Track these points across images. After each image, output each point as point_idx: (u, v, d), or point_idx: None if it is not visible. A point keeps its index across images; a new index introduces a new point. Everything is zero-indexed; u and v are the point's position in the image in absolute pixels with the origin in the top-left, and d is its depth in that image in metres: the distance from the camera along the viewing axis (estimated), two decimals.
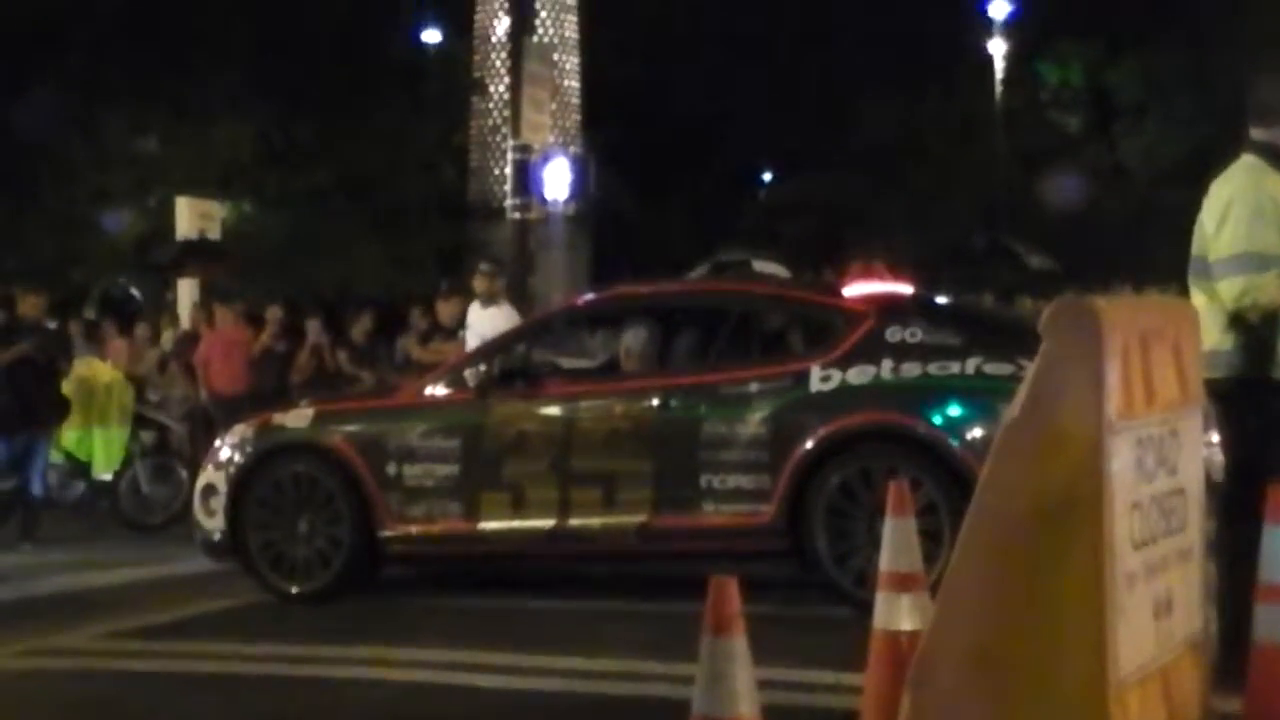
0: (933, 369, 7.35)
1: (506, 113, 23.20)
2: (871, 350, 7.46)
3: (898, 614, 4.78)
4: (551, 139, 21.08)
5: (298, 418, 8.52)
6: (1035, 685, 3.87)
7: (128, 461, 12.31)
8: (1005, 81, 32.93)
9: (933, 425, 7.24)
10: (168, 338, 16.01)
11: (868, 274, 8.10)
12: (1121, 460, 3.91)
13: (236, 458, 8.44)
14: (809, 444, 7.39)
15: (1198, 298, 5.30)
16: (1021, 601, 3.90)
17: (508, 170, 16.45)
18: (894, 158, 31.62)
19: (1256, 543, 4.77)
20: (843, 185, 32.34)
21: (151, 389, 14.20)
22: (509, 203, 15.88)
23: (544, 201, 16.69)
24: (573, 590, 8.27)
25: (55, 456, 11.84)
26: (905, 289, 8.19)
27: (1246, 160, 5.38)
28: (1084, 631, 3.81)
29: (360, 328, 14.40)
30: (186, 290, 19.17)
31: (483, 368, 8.18)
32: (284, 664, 6.66)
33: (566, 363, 8.85)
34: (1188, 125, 27.09)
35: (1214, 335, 5.16)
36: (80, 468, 12.28)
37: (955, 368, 7.32)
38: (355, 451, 8.18)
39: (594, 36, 34.03)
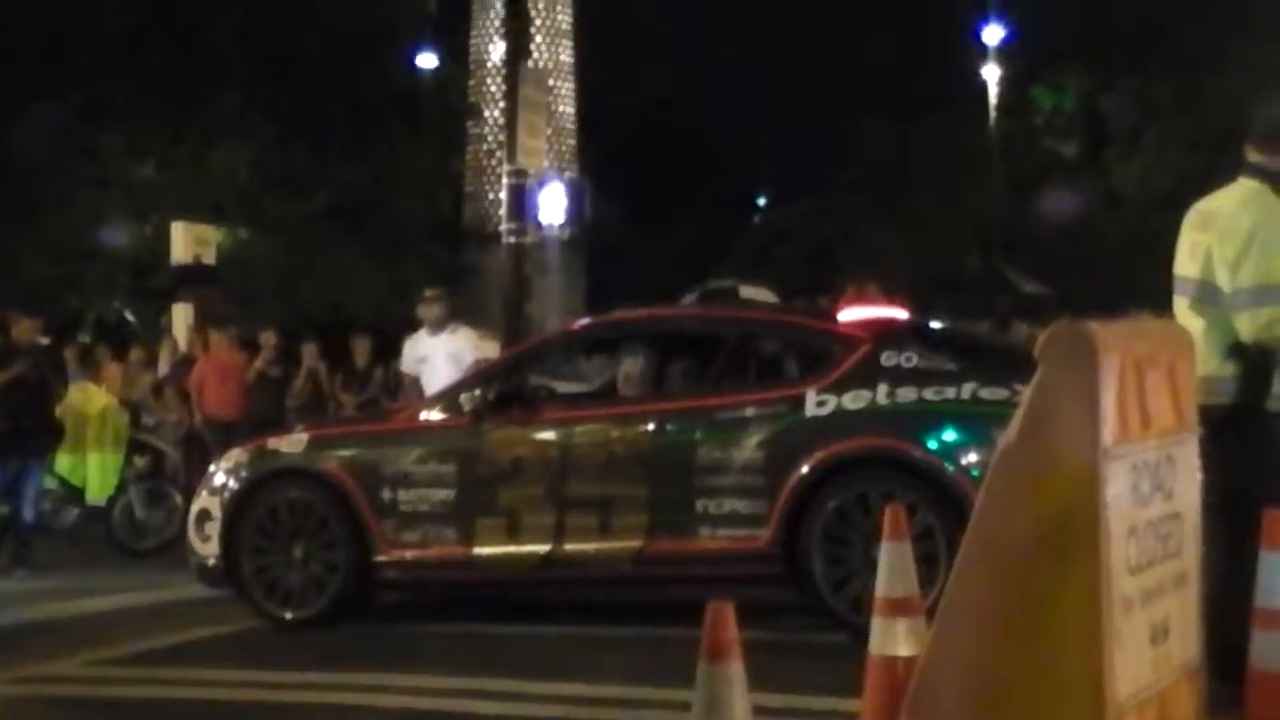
0: (928, 394, 7.35)
1: (502, 138, 23.19)
2: (867, 375, 7.46)
3: (894, 639, 4.77)
4: (547, 164, 21.14)
5: (292, 443, 8.51)
6: (1033, 711, 3.86)
7: (122, 487, 12.30)
8: (1000, 107, 33.03)
9: (929, 450, 7.23)
10: (163, 362, 16.00)
11: (862, 299, 8.12)
12: (1117, 486, 3.91)
13: (231, 483, 8.43)
14: (805, 469, 7.38)
15: (1193, 321, 5.26)
16: (1018, 627, 3.89)
17: (503, 195, 16.43)
18: (890, 183, 31.69)
19: (1247, 570, 4.77)
20: (838, 210, 32.40)
21: (146, 414, 14.19)
22: (504, 227, 15.84)
23: (539, 226, 16.71)
24: (568, 616, 8.25)
25: (49, 482, 11.82)
26: (901, 314, 8.19)
27: (1253, 186, 5.34)
28: (1081, 657, 3.80)
29: (358, 353, 14.40)
30: (181, 315, 19.16)
31: (478, 393, 8.18)
32: (279, 690, 6.63)
33: (562, 388, 8.85)
34: (1181, 151, 27.17)
35: (1212, 362, 5.14)
36: (74, 493, 12.25)
37: (951, 393, 7.32)
38: (350, 477, 8.17)
39: (590, 62, 34.12)
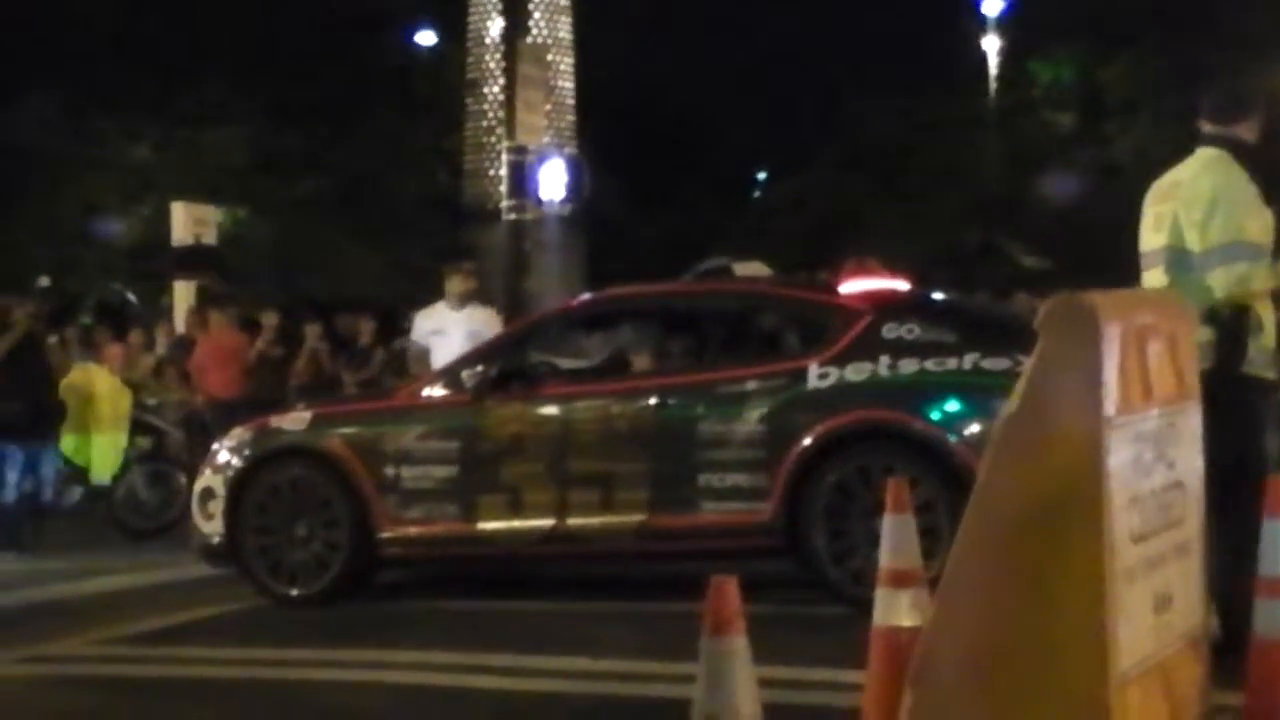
0: (930, 365, 7.34)
1: (500, 114, 23.15)
2: (869, 347, 7.46)
3: (897, 611, 4.77)
4: (546, 140, 21.09)
5: (295, 421, 8.52)
6: (1036, 680, 3.87)
7: (125, 467, 12.31)
8: (999, 79, 32.94)
9: (930, 422, 7.24)
10: (159, 343, 15.99)
11: (862, 271, 8.09)
12: (1120, 455, 3.91)
13: (234, 461, 8.44)
14: (806, 442, 7.38)
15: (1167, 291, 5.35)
16: (1021, 597, 3.90)
17: (502, 172, 16.39)
18: (888, 157, 31.63)
19: (1246, 537, 4.79)
20: (837, 184, 32.34)
21: (148, 394, 14.19)
22: (504, 204, 15.82)
23: (539, 203, 16.66)
24: (571, 591, 8.27)
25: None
26: (901, 286, 8.18)
27: (1213, 153, 5.49)
28: (1084, 626, 3.81)
29: (359, 332, 14.39)
30: (182, 296, 19.15)
31: (479, 369, 8.18)
32: (283, 668, 6.65)
33: (563, 364, 8.85)
34: (1178, 123, 27.08)
35: None
36: (77, 473, 12.27)
37: (952, 364, 7.32)
38: (352, 454, 8.17)
39: (588, 38, 34.01)
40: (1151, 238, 5.56)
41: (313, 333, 14.39)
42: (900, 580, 4.81)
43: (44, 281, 17.84)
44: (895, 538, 4.86)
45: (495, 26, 32.40)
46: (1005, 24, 32.96)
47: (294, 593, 8.20)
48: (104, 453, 12.21)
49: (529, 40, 25.10)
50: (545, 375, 8.37)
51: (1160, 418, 4.21)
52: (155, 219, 23.36)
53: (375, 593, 8.38)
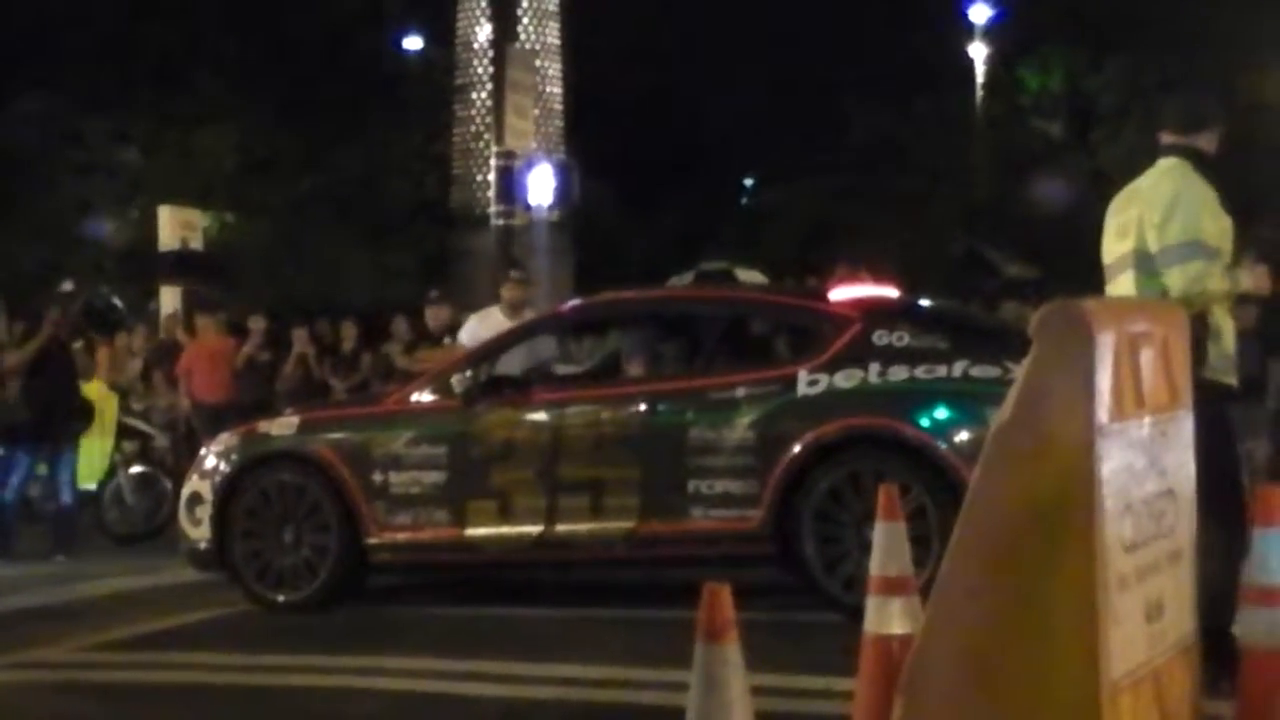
0: (920, 373, 7.35)
1: (489, 120, 23.17)
2: (859, 354, 7.46)
3: (889, 618, 4.78)
4: (534, 146, 21.07)
5: (283, 426, 8.50)
6: (1028, 689, 3.87)
7: (111, 472, 12.27)
8: (986, 87, 33.00)
9: (920, 429, 7.24)
10: (140, 346, 15.94)
11: (853, 278, 8.10)
12: (1112, 463, 3.91)
13: (222, 466, 8.42)
14: (797, 449, 7.38)
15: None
16: (1014, 605, 3.89)
17: (490, 177, 16.40)
18: (878, 163, 31.65)
19: (1227, 544, 4.79)
20: (828, 192, 32.37)
21: (135, 398, 14.14)
22: (493, 209, 15.82)
23: (528, 208, 16.66)
24: (561, 598, 8.25)
25: (40, 468, 11.80)
26: (891, 293, 8.19)
27: (1172, 161, 5.55)
28: (1077, 634, 3.81)
29: (345, 337, 14.37)
30: (169, 300, 19.11)
31: (469, 375, 8.17)
32: (271, 674, 6.63)
33: (553, 369, 8.84)
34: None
35: None
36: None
37: (942, 371, 7.32)
38: (341, 459, 8.16)
39: (576, 43, 34.02)
40: (1115, 246, 5.63)
41: (300, 338, 14.38)
42: (892, 588, 4.81)
43: (67, 286, 17.79)
44: (887, 545, 4.87)
45: (483, 32, 32.42)
46: (993, 32, 33.04)
47: (282, 598, 8.18)
48: (90, 457, 12.17)
49: (517, 46, 25.09)
50: (535, 381, 8.36)
51: (1152, 425, 4.21)
52: (142, 222, 23.31)
53: (364, 599, 8.35)
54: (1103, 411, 3.86)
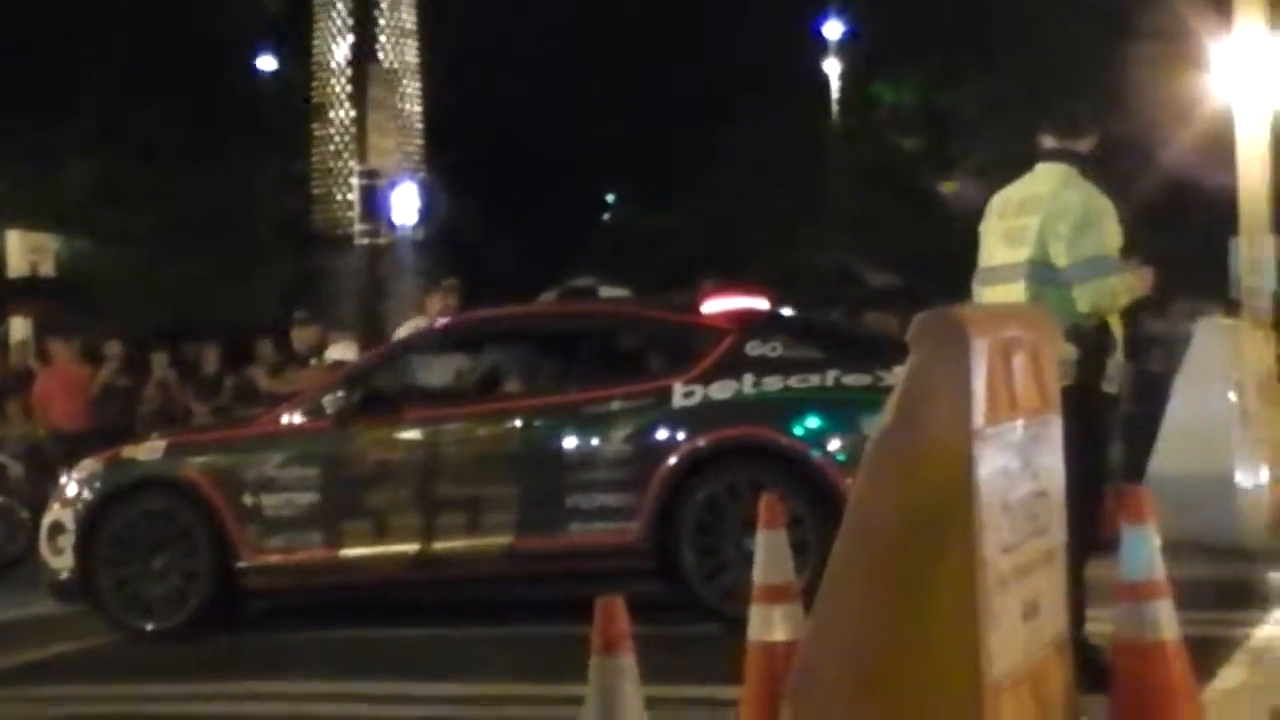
0: (793, 382, 7.43)
1: (348, 139, 22.95)
2: (733, 365, 7.53)
3: (772, 626, 4.82)
4: (396, 163, 20.92)
5: (150, 450, 8.33)
6: (912, 690, 3.93)
7: None
8: (841, 102, 33.53)
9: (795, 438, 7.32)
10: None
11: (721, 291, 8.18)
12: (989, 466, 3.99)
13: (85, 494, 8.22)
14: (673, 460, 7.42)
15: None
16: (897, 609, 3.95)
17: (352, 196, 16.23)
18: (742, 178, 31.96)
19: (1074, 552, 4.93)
20: (688, 205, 32.61)
21: None
22: (356, 228, 15.65)
23: (392, 227, 16.53)
24: (441, 617, 8.19)
25: None
26: (763, 304, 8.27)
27: (1063, 168, 5.59)
28: (959, 636, 3.88)
29: (206, 360, 14.13)
30: (19, 328, 18.58)
31: (341, 394, 8.08)
32: (148, 703, 6.50)
33: (426, 387, 8.78)
34: (1020, 144, 27.69)
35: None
36: None
37: (815, 380, 7.42)
38: (211, 483, 8.02)
39: (433, 61, 33.89)
40: (1002, 252, 5.61)
41: (159, 361, 14.11)
42: (774, 596, 4.86)
43: None
44: (768, 553, 4.91)
45: (340, 50, 32.14)
46: (845, 48, 33.58)
47: (151, 626, 8.00)
48: None
49: (377, 64, 24.88)
50: (408, 399, 8.29)
51: (1025, 428, 4.31)
52: None
53: (240, 624, 8.20)
54: (979, 416, 3.95)
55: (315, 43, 34.24)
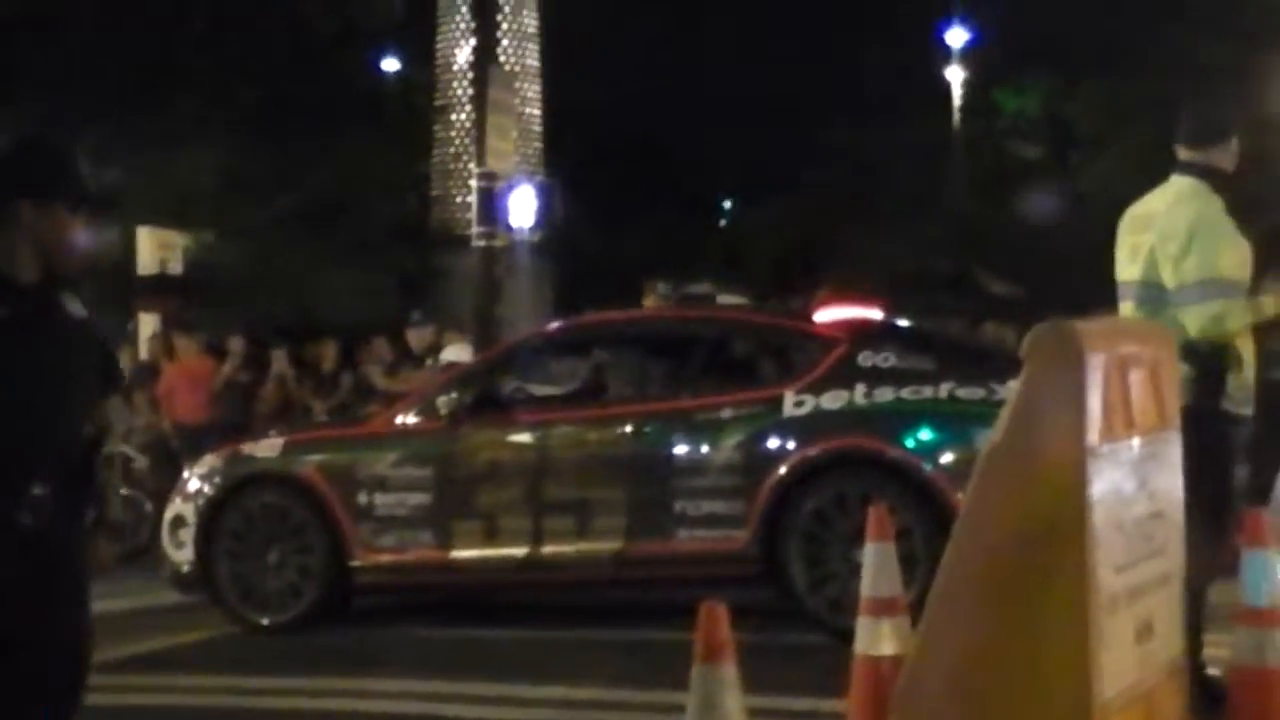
0: (905, 394, 7.37)
1: (468, 141, 23.10)
2: (845, 375, 7.48)
3: (879, 639, 4.79)
4: (515, 166, 21.05)
5: (267, 447, 8.48)
6: (1020, 710, 3.88)
7: None
8: (963, 109, 33.17)
9: (906, 450, 7.26)
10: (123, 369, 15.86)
11: (838, 299, 8.13)
12: (1103, 484, 3.93)
13: (205, 489, 8.39)
14: (783, 469, 7.39)
15: None
16: (1006, 626, 3.90)
17: (470, 198, 16.34)
18: (858, 184, 31.77)
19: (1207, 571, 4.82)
20: (807, 212, 32.47)
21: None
22: (473, 230, 15.76)
23: (509, 229, 16.63)
24: (547, 620, 8.23)
25: None
26: (876, 314, 8.21)
27: (1188, 183, 5.41)
28: (1068, 655, 3.82)
29: (325, 358, 14.34)
30: (147, 323, 19.03)
31: (454, 396, 8.16)
32: (258, 696, 6.60)
33: (537, 390, 8.84)
34: (1145, 153, 27.22)
35: None
36: None
37: (928, 392, 7.35)
38: (326, 481, 8.13)
39: (555, 64, 34.10)
40: (1127, 269, 5.50)
41: (279, 358, 14.34)
42: (882, 609, 4.82)
43: None
44: (877, 566, 4.88)
45: (463, 53, 32.43)
46: (969, 55, 33.23)
47: (266, 620, 8.14)
48: None
49: (497, 67, 25.07)
50: (520, 402, 8.35)
51: (1142, 447, 4.23)
52: (121, 244, 23.19)
53: (350, 621, 8.32)
54: (1094, 433, 3.88)
55: (439, 45, 34.59)
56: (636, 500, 7.64)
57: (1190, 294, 5.24)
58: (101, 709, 6.51)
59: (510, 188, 16.15)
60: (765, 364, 8.35)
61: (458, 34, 33.62)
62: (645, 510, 7.62)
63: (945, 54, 33.39)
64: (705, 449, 7.57)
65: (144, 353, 16.79)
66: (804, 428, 7.44)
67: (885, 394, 7.38)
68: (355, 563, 8.05)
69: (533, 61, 34.69)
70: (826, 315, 7.98)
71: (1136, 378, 4.23)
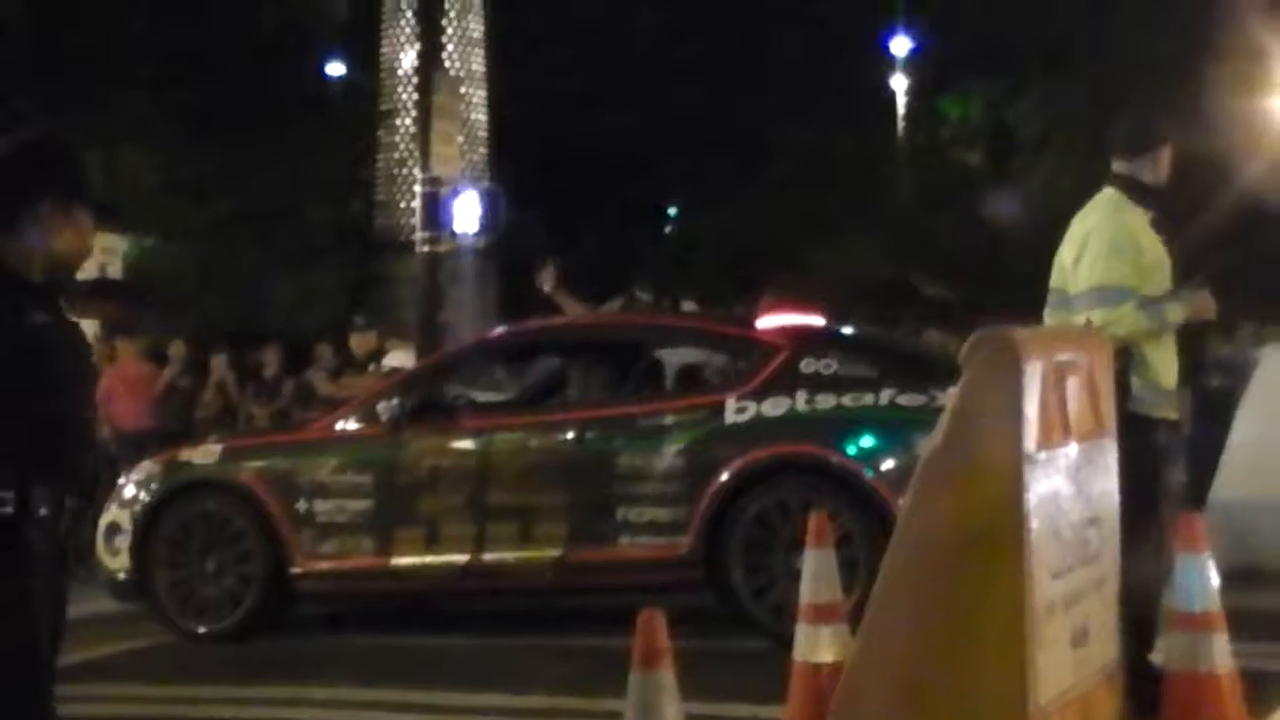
0: (847, 400, 7.39)
1: (413, 146, 22.99)
2: (786, 382, 7.50)
3: (818, 645, 4.80)
4: (460, 172, 20.98)
5: (206, 454, 8.40)
6: (958, 714, 3.89)
7: None
8: (908, 117, 33.37)
9: (848, 456, 7.28)
10: None
11: (780, 306, 8.14)
12: (1040, 490, 3.96)
13: (142, 495, 8.30)
14: (725, 476, 7.40)
15: None
16: (944, 631, 3.92)
17: (415, 204, 16.26)
18: (801, 193, 31.90)
19: (1139, 573, 4.85)
20: (754, 219, 32.56)
21: None
22: (418, 235, 15.69)
23: (454, 235, 16.57)
24: (489, 626, 8.20)
25: None
26: (818, 321, 8.24)
27: (1108, 194, 5.50)
28: (1006, 660, 3.85)
29: (266, 363, 14.23)
30: (87, 327, 18.81)
31: (396, 402, 8.11)
32: (196, 705, 6.54)
33: (480, 396, 8.81)
34: (1086, 159, 27.47)
35: None
36: None
37: (869, 399, 7.38)
38: (265, 488, 8.07)
39: (500, 71, 34.03)
40: (1053, 276, 5.63)
41: (219, 363, 14.21)
42: (821, 615, 4.83)
43: None
44: (816, 572, 4.89)
45: (408, 58, 32.27)
46: (913, 63, 33.45)
47: (203, 629, 8.06)
48: None
49: (442, 72, 24.96)
50: (462, 408, 8.32)
51: (1079, 453, 4.27)
52: None
53: (290, 629, 8.25)
54: (1031, 439, 3.91)
55: (384, 49, 34.44)
56: (578, 506, 7.63)
57: (1083, 301, 5.33)
58: None
59: (455, 193, 16.08)
60: (707, 370, 8.36)
61: (403, 38, 33.47)
62: (587, 516, 7.61)
63: (890, 62, 33.60)
64: (647, 455, 7.57)
65: None
66: (746, 434, 7.45)
67: (827, 401, 7.40)
68: (295, 570, 7.99)
69: (478, 67, 34.58)
70: (769, 322, 7.99)
71: (1073, 385, 4.27)
